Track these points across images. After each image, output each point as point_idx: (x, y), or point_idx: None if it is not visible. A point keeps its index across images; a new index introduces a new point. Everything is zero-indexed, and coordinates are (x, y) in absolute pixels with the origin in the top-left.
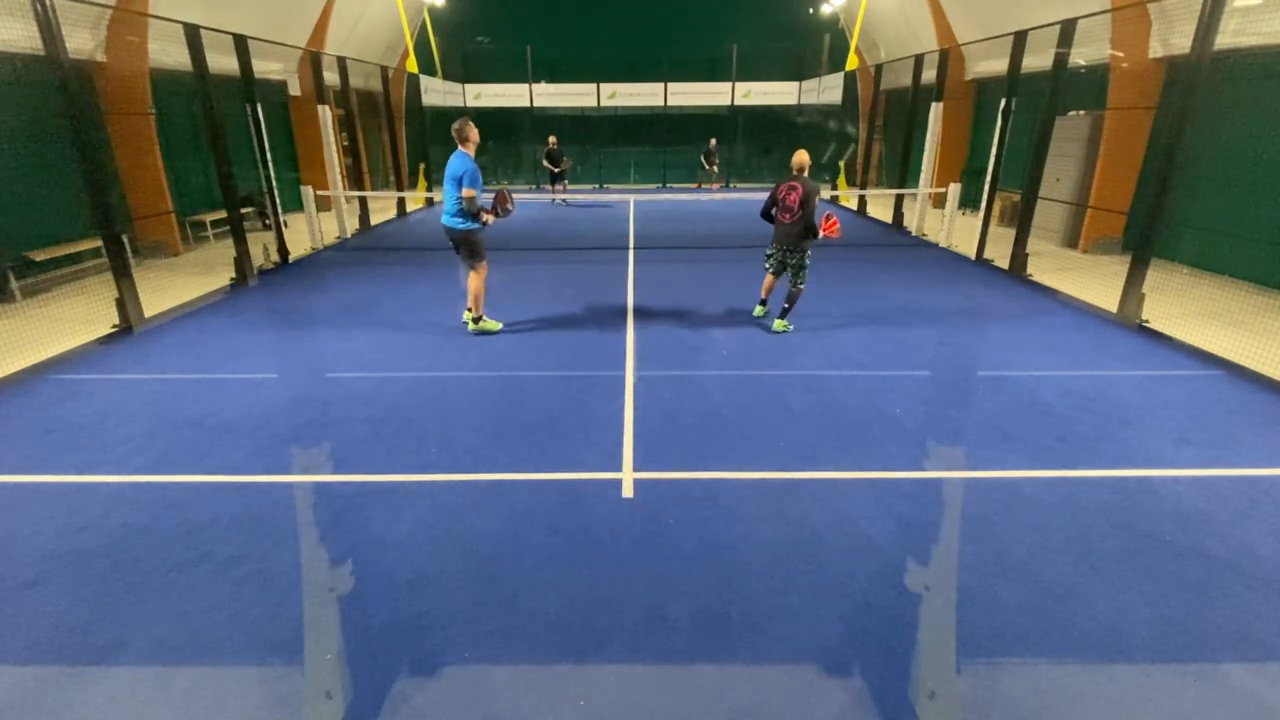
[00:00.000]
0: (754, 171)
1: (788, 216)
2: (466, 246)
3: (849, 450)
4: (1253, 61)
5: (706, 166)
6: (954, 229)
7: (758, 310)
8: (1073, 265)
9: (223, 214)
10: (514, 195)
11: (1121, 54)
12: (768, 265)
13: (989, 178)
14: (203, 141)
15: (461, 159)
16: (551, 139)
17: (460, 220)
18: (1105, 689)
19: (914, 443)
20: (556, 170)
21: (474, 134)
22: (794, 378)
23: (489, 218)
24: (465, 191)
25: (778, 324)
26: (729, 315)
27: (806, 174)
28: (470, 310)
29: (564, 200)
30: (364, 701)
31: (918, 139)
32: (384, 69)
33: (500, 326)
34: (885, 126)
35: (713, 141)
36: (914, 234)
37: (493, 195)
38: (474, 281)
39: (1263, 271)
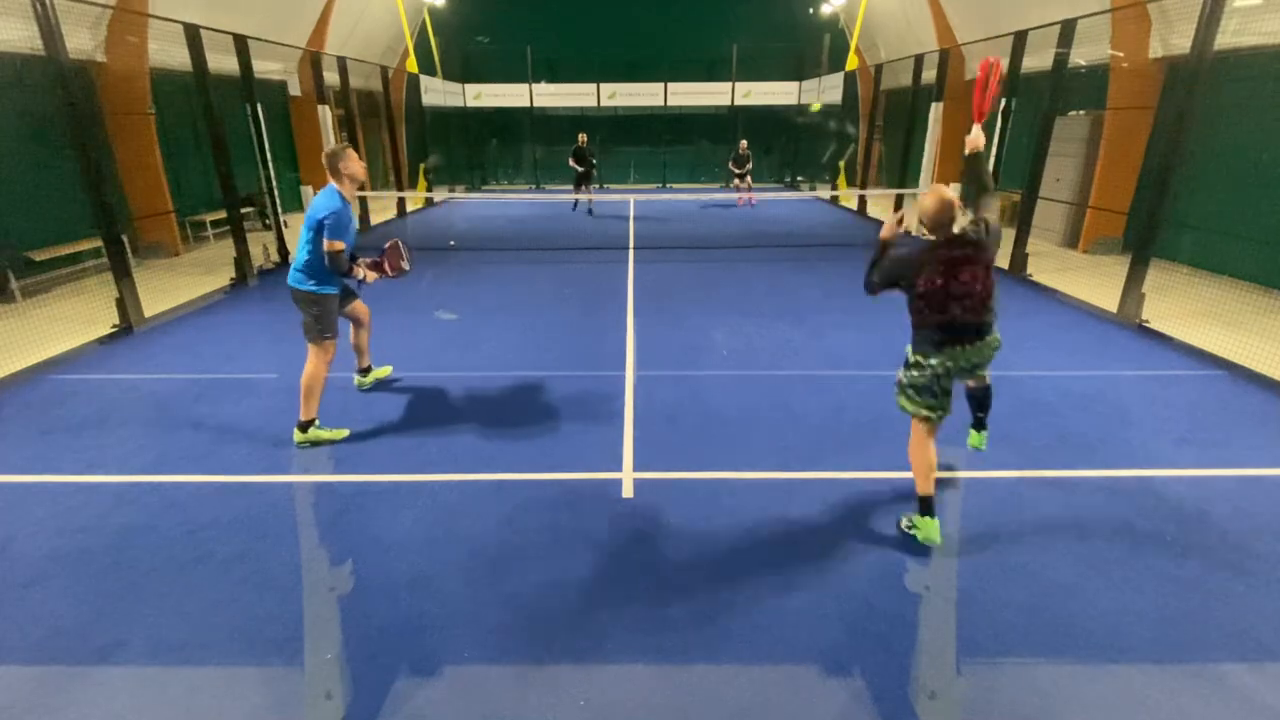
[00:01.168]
0: (754, 172)
1: (965, 306)
2: (312, 315)
3: (849, 450)
4: (1253, 61)
5: (736, 172)
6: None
7: (922, 529)
8: (1073, 265)
9: (223, 214)
10: (410, 250)
11: (1121, 54)
12: (931, 414)
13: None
14: (203, 141)
15: (327, 197)
16: (581, 137)
17: (310, 279)
18: (1105, 689)
19: None
20: (583, 170)
21: (353, 166)
22: (794, 378)
23: (370, 276)
24: (329, 244)
25: (973, 438)
26: (729, 315)
27: (969, 221)
28: (305, 420)
29: (589, 207)
30: (364, 701)
31: (918, 139)
32: (384, 69)
33: (345, 435)
34: (885, 126)
35: (743, 144)
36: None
37: (384, 246)
38: (309, 368)
39: (1263, 271)
